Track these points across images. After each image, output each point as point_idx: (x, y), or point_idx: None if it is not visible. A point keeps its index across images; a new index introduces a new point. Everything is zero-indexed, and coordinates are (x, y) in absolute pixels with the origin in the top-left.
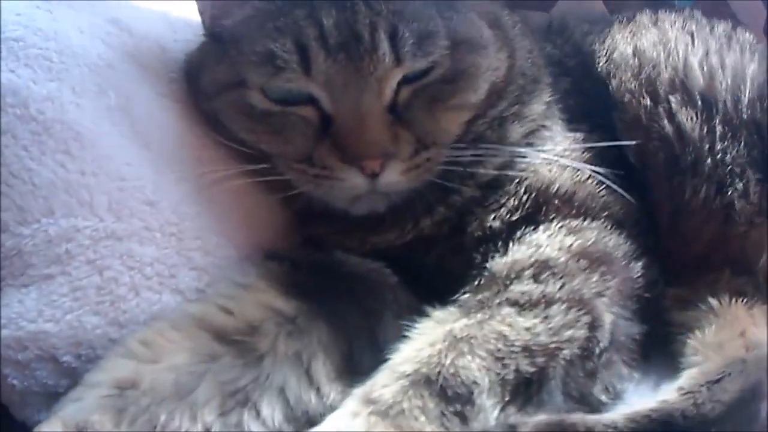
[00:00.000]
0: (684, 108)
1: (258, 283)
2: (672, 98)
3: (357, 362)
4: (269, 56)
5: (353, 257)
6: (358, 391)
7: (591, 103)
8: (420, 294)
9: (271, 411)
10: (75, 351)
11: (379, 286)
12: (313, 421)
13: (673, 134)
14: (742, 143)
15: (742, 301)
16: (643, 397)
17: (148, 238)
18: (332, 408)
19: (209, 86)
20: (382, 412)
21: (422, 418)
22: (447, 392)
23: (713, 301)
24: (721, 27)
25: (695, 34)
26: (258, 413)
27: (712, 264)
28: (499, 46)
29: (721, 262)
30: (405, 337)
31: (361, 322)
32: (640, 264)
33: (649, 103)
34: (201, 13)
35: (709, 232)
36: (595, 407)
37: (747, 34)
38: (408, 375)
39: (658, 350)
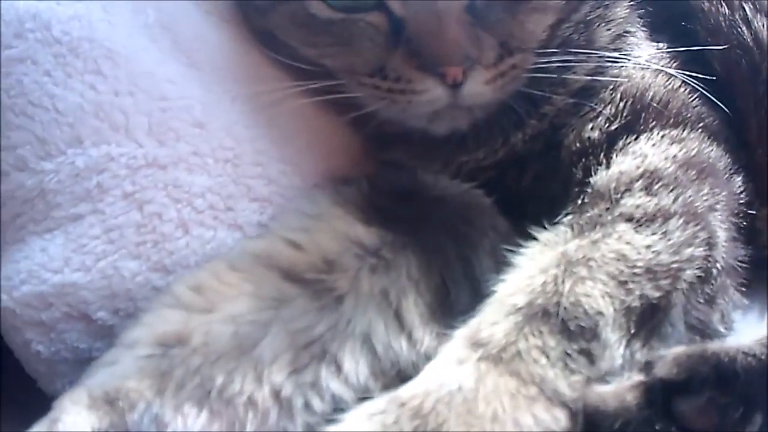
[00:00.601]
0: (758, 15)
1: (333, 210)
2: (746, 6)
3: (454, 300)
4: None
5: (442, 178)
6: (462, 333)
7: (672, 11)
8: (519, 218)
9: (355, 364)
10: (111, 305)
11: (473, 209)
12: (405, 376)
13: (752, 42)
14: None
15: None
16: (752, 326)
17: (198, 164)
18: (428, 357)
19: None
20: (494, 357)
21: (543, 360)
22: (569, 326)
23: None
24: None
25: None
26: (339, 368)
27: None
28: None
29: None
30: (509, 265)
31: (455, 251)
32: (739, 179)
33: (726, 11)
34: None
35: None
36: (713, 339)
37: None
38: (520, 308)
39: (758, 277)
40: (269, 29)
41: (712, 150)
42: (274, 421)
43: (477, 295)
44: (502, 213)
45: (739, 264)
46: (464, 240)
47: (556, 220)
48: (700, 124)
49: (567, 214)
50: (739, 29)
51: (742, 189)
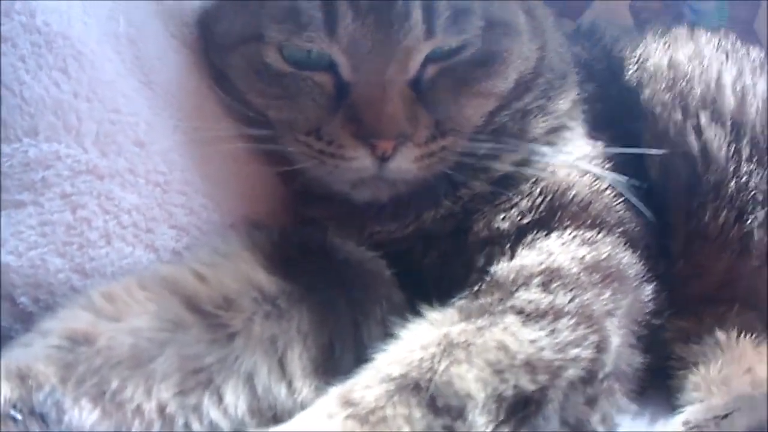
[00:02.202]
0: (713, 125)
1: (241, 252)
2: (702, 114)
3: (337, 359)
4: (293, 11)
5: (349, 243)
6: (336, 390)
7: (616, 111)
8: (415, 293)
9: (235, 399)
10: (33, 293)
11: (372, 278)
12: (280, 418)
13: (699, 152)
14: (766, 171)
15: (750, 336)
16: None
17: (131, 182)
18: (303, 406)
19: (224, 38)
20: (361, 417)
21: (406, 429)
22: (437, 402)
23: (720, 335)
24: (755, 52)
25: (729, 54)
26: (220, 399)
27: (722, 297)
28: (531, 36)
29: (731, 295)
30: (394, 336)
31: (348, 314)
32: (650, 288)
33: (679, 117)
34: None
35: (723, 262)
36: None
37: None
38: (394, 378)
39: (654, 385)
40: (224, 68)
41: (625, 256)
42: None
43: (361, 359)
44: (404, 284)
45: (634, 370)
46: (358, 305)
47: (450, 300)
48: (619, 229)
49: (461, 298)
50: (687, 138)
51: (650, 298)
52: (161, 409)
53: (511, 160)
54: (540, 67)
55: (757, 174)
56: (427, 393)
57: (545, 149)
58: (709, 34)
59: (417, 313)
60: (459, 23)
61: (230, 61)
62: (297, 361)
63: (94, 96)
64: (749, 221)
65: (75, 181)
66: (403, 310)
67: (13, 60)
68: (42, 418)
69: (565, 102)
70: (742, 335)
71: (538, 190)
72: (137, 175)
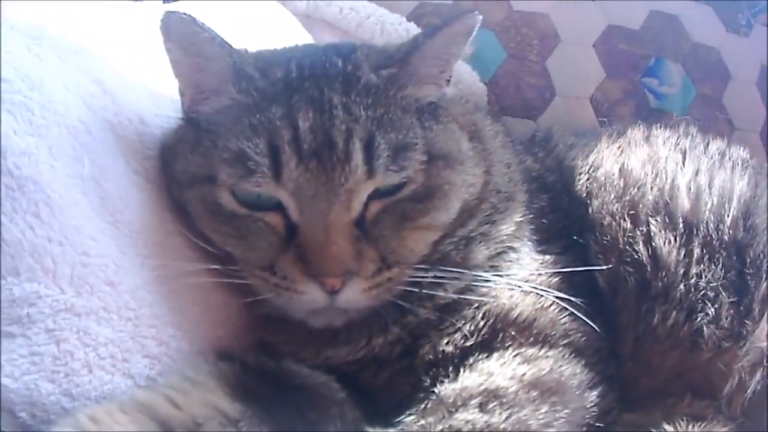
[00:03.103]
0: (663, 231)
1: (207, 381)
2: (652, 221)
3: None
4: (241, 156)
5: (304, 368)
6: None
7: (567, 222)
8: (367, 411)
9: None
10: (30, 410)
11: (325, 400)
12: None
13: (648, 259)
14: (720, 265)
15: (700, 425)
16: None
17: (106, 318)
18: None
19: (181, 175)
20: None
21: None
22: None
23: (668, 428)
24: (716, 145)
25: (687, 152)
26: None
27: (673, 390)
28: (476, 161)
29: (682, 388)
30: None
31: None
32: (595, 393)
33: (629, 226)
34: (181, 93)
35: (673, 359)
36: None
37: (741, 151)
38: None
39: None
40: (184, 204)
41: (567, 368)
42: None
43: None
44: (357, 404)
45: None
46: (314, 425)
47: (400, 418)
48: (564, 342)
49: (409, 415)
50: (635, 246)
51: (596, 402)
52: None
53: (454, 288)
54: (485, 191)
55: (709, 271)
56: None
57: (488, 275)
58: (667, 132)
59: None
60: (399, 161)
61: (188, 197)
62: None
63: (66, 240)
64: (699, 319)
65: (56, 318)
66: (358, 426)
67: None
68: None
69: (509, 226)
70: (692, 425)
71: (481, 314)
72: (110, 312)
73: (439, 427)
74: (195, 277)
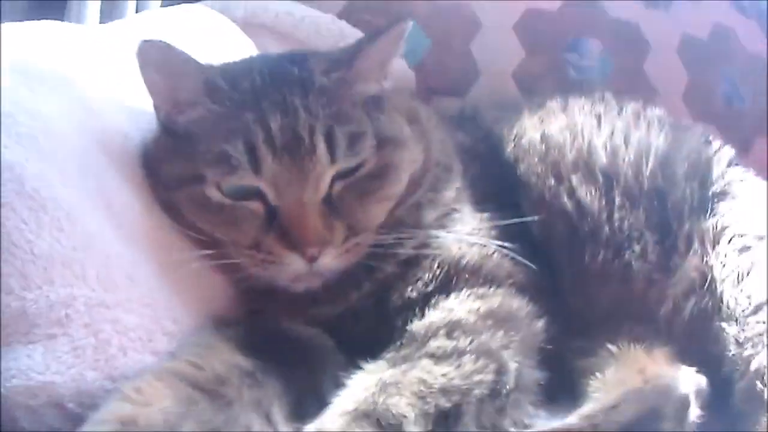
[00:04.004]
0: (584, 185)
1: (220, 344)
2: (573, 177)
3: (306, 407)
4: (224, 156)
5: (297, 325)
6: (310, 426)
7: (499, 185)
8: (354, 353)
9: None
10: (78, 399)
11: (319, 349)
12: None
13: (573, 209)
14: (641, 210)
15: (641, 345)
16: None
17: (130, 307)
18: None
19: (168, 179)
20: None
21: None
22: (381, 423)
23: (612, 348)
24: (630, 107)
25: (602, 117)
26: None
27: (614, 318)
28: (417, 140)
29: (622, 316)
30: (344, 385)
31: (307, 376)
32: (541, 323)
33: (553, 183)
34: (156, 108)
35: (608, 291)
36: None
37: (656, 110)
38: (349, 412)
39: (565, 393)
40: (174, 203)
41: (514, 302)
42: None
43: (323, 404)
44: (342, 349)
45: (537, 385)
46: (313, 370)
47: (380, 356)
48: (509, 281)
49: (388, 351)
50: (560, 199)
51: (544, 330)
52: None
53: (412, 245)
54: (427, 165)
55: (631, 215)
56: (373, 418)
57: (438, 232)
58: (582, 100)
59: (358, 368)
60: (354, 148)
61: (178, 197)
62: (278, 413)
63: (89, 246)
64: (626, 256)
65: (91, 313)
66: (348, 367)
67: (16, 223)
68: None
69: (451, 191)
70: (633, 345)
71: (437, 264)
72: (133, 301)
73: (417, 354)
74: (192, 263)
